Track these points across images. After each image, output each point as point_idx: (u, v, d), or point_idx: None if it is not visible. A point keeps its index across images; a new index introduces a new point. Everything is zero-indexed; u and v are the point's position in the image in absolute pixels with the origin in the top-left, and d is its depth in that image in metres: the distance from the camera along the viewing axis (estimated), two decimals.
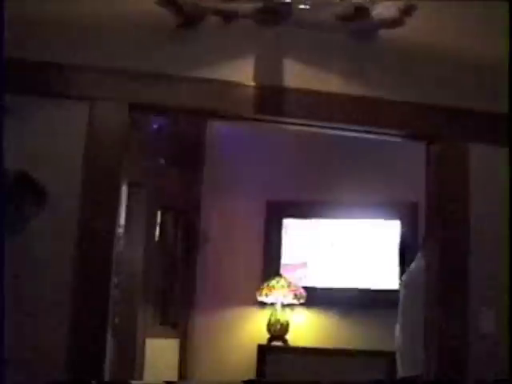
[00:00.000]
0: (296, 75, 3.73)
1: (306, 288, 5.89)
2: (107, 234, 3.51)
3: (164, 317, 6.05)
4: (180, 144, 6.29)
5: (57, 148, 3.51)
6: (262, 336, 5.80)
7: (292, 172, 6.11)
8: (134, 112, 3.65)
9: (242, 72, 3.71)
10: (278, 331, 5.76)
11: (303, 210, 6.12)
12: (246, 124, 6.22)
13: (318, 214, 6.10)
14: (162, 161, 6.16)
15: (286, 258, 6.10)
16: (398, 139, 3.95)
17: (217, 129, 6.36)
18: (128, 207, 5.82)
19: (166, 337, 6.02)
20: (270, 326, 5.78)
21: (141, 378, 5.45)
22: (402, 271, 5.14)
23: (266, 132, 6.09)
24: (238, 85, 3.69)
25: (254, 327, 5.97)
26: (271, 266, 6.05)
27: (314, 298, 5.90)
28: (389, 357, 4.86)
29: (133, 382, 5.19)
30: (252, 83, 3.70)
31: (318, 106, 3.74)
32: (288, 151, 6.13)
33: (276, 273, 5.97)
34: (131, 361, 5.56)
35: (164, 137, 6.21)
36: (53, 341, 3.39)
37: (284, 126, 3.90)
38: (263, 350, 5.66)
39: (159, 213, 6.09)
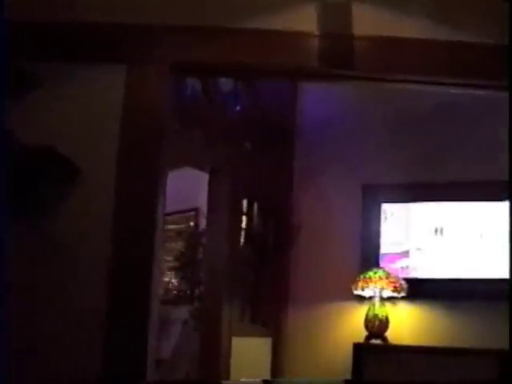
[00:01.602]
0: (368, 21, 3.15)
1: (407, 280, 5.27)
2: (146, 217, 3.03)
3: (254, 314, 5.58)
4: (267, 127, 5.79)
5: (89, 120, 3.08)
6: (359, 333, 5.22)
7: (390, 151, 5.53)
8: (179, 74, 3.15)
9: (305, 20, 3.15)
10: (376, 328, 5.18)
11: (404, 193, 5.51)
12: (336, 100, 5.81)
13: (421, 197, 5.49)
14: (248, 145, 5.67)
15: (385, 247, 5.48)
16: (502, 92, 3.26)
17: (306, 109, 5.85)
18: (210, 196, 5.38)
19: (257, 335, 5.55)
20: (367, 323, 5.21)
21: (227, 377, 5.04)
22: None
23: (359, 108, 5.59)
24: (300, 35, 3.14)
25: (350, 324, 5.43)
26: (369, 257, 5.48)
27: (417, 290, 5.29)
28: (502, 356, 4.34)
29: (225, 382, 4.78)
30: (317, 32, 3.14)
31: (397, 55, 3.13)
32: (385, 128, 5.55)
33: (374, 263, 5.37)
34: (216, 360, 5.12)
35: (249, 119, 5.73)
36: (87, 339, 2.95)
37: (357, 82, 3.32)
38: (360, 349, 5.07)
39: (245, 202, 5.61)
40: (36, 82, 2.94)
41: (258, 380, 4.20)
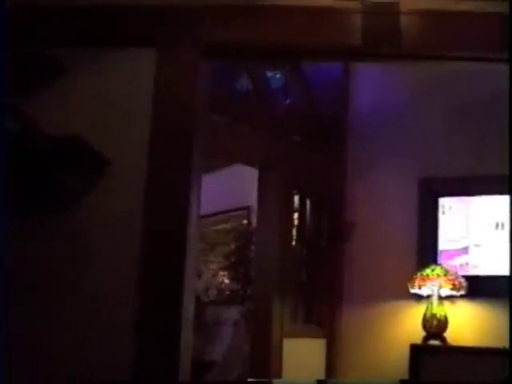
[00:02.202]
0: None
1: (467, 277, 5.00)
2: (179, 213, 2.86)
3: (308, 314, 5.39)
4: (318, 120, 5.60)
5: (117, 108, 2.91)
6: (417, 334, 4.98)
7: (447, 142, 5.29)
8: (211, 56, 2.96)
9: None
10: (434, 328, 4.93)
11: (462, 187, 5.27)
12: (390, 89, 5.59)
13: (480, 190, 5.23)
14: (298, 139, 5.48)
15: (443, 243, 5.22)
16: None
17: (359, 100, 5.65)
18: (260, 193, 5.21)
19: (310, 336, 5.36)
20: (425, 323, 4.97)
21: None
22: None
23: (415, 97, 5.36)
24: (344, 12, 2.94)
25: (407, 324, 5.19)
26: (426, 253, 5.23)
27: (477, 288, 5.04)
28: None
29: (276, 380, 4.56)
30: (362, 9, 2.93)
31: (447, 30, 2.90)
32: (442, 118, 5.32)
33: (432, 260, 5.11)
34: (267, 362, 4.94)
35: (299, 113, 5.55)
36: (118, 339, 2.79)
37: (404, 63, 3.08)
38: (418, 351, 4.82)
39: (297, 198, 5.41)
40: (62, 69, 2.79)
41: (311, 380, 4.05)
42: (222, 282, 6.21)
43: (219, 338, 6.13)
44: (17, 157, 2.50)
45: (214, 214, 6.56)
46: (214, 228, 6.57)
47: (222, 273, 6.21)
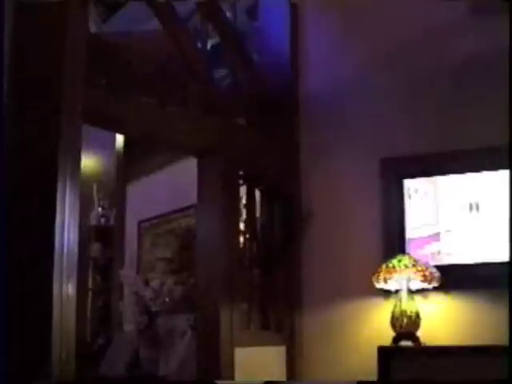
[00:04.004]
0: None
1: (439, 267, 4.40)
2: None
3: (264, 320, 4.77)
4: (266, 100, 4.99)
5: None
6: (386, 334, 4.34)
7: (409, 118, 4.72)
8: None
9: None
10: (405, 327, 4.31)
11: (430, 166, 4.65)
12: (344, 66, 5.01)
13: (450, 168, 4.61)
14: (242, 121, 4.87)
15: (411, 230, 4.61)
16: None
17: (310, 78, 5.11)
18: (200, 184, 4.58)
19: (268, 344, 4.73)
20: (394, 321, 4.35)
21: None
22: None
23: (371, 72, 4.82)
24: None
25: (375, 324, 4.57)
26: (393, 243, 4.64)
27: (452, 279, 4.42)
28: None
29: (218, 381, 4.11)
30: None
31: None
32: (401, 93, 4.78)
33: (400, 250, 4.50)
34: (217, 374, 4.33)
35: (244, 92, 4.94)
36: None
37: None
38: (386, 353, 4.19)
39: (244, 188, 4.79)
40: None
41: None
42: (172, 289, 5.56)
43: (172, 349, 5.49)
44: None
45: (161, 216, 5.98)
46: (158, 231, 5.98)
47: (170, 280, 5.56)
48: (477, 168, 4.55)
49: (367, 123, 4.86)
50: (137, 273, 6.09)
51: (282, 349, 4.79)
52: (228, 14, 5.26)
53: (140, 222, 6.36)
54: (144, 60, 4.27)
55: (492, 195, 4.49)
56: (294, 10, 5.22)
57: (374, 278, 4.38)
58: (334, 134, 4.95)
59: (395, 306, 4.36)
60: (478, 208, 4.53)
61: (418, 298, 4.42)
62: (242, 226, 4.75)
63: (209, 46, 5.03)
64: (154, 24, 4.51)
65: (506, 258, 4.34)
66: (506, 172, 4.41)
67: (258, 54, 5.11)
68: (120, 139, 6.70)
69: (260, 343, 4.69)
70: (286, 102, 5.04)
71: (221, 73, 5.03)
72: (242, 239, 4.72)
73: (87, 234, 6.63)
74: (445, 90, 4.67)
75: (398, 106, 4.78)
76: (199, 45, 4.69)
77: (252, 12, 5.58)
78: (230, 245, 4.55)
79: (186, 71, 4.48)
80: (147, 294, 5.62)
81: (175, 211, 5.86)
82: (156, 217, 6.07)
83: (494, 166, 4.50)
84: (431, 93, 4.70)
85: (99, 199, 6.86)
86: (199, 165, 4.62)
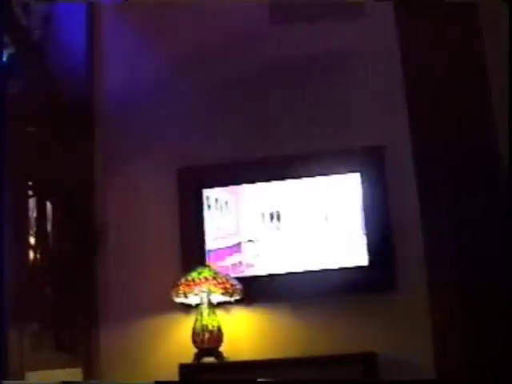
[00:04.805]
0: None
1: (241, 279, 4.26)
2: None
3: (58, 341, 4.44)
4: (60, 108, 4.68)
5: None
6: (188, 351, 4.15)
7: (212, 126, 4.61)
8: None
9: None
10: (207, 342, 4.13)
11: (230, 175, 4.53)
12: (145, 70, 4.81)
13: (249, 177, 4.50)
14: (32, 128, 4.53)
15: (211, 241, 4.46)
16: None
17: (108, 87, 4.84)
18: None
19: (61, 366, 4.40)
20: (195, 337, 4.16)
21: None
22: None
23: (170, 80, 4.65)
24: None
25: (176, 340, 4.35)
26: (192, 254, 4.45)
27: (255, 291, 4.31)
28: (372, 360, 3.73)
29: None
30: None
31: None
32: (200, 99, 4.62)
33: (200, 262, 4.33)
34: None
35: (34, 99, 4.60)
36: None
37: None
38: (188, 371, 4.00)
39: (33, 200, 4.45)
40: None
41: None
42: None
43: None
44: None
45: None
46: None
47: None
48: (276, 176, 4.48)
49: (165, 132, 4.68)
50: None
51: (79, 370, 4.49)
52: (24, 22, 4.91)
53: None
54: None
55: (293, 204, 4.43)
56: (92, 12, 4.96)
57: (173, 292, 4.18)
58: (131, 143, 4.72)
59: (196, 320, 4.18)
60: (279, 217, 4.45)
61: (219, 312, 4.26)
62: (32, 240, 4.41)
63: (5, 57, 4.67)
64: None
65: (308, 267, 4.30)
66: (308, 180, 4.38)
67: (54, 61, 4.79)
68: None
69: (54, 366, 4.37)
70: (82, 110, 4.76)
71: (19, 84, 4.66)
72: (32, 255, 4.38)
73: None
74: (246, 97, 4.58)
75: (198, 113, 4.64)
76: None
77: (49, 18, 5.25)
78: (18, 261, 4.20)
79: None
80: None
81: None
82: None
83: (296, 174, 4.44)
84: (235, 99, 4.59)
85: None
86: None
